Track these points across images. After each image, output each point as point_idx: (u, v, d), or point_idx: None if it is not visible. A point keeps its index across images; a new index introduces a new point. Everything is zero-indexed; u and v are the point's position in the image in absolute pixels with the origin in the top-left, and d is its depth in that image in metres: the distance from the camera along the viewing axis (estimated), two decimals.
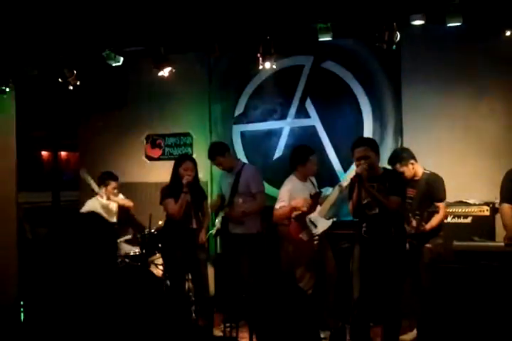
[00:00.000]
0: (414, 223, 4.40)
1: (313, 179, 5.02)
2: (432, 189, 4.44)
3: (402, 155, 4.54)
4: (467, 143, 5.21)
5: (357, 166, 4.09)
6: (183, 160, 4.85)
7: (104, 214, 5.68)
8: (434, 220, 4.41)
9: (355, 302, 4.02)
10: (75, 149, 7.51)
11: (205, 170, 5.93)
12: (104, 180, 5.80)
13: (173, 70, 5.17)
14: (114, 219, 5.85)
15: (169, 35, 5.23)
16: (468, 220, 4.79)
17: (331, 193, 4.98)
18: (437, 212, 4.45)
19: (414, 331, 4.33)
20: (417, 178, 4.52)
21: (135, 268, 5.10)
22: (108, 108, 6.77)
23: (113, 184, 5.81)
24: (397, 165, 4.52)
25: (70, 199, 7.57)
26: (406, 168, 4.48)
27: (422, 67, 5.37)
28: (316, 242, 4.63)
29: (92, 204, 5.75)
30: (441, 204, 4.45)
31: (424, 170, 4.54)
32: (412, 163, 4.50)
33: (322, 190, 5.09)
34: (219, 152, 5.08)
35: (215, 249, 5.25)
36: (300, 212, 4.62)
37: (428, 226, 4.38)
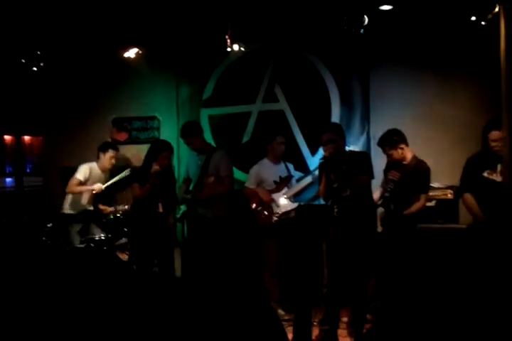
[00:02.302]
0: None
1: (291, 165, 5.26)
2: (417, 178, 4.39)
3: (392, 138, 4.45)
4: (432, 129, 5.29)
5: (324, 151, 4.19)
6: (165, 150, 4.87)
7: (91, 184, 5.56)
8: (414, 207, 4.37)
9: (327, 281, 4.08)
10: (39, 133, 7.34)
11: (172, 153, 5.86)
12: (105, 148, 5.63)
13: (140, 52, 5.10)
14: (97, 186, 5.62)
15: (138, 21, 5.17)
16: (432, 203, 4.85)
17: (303, 179, 5.13)
18: (418, 199, 4.40)
19: None
20: (404, 162, 4.47)
21: (101, 252, 5.05)
22: (73, 91, 6.64)
23: (111, 152, 5.60)
24: (386, 148, 4.47)
25: (34, 184, 7.42)
26: (394, 151, 4.42)
27: (389, 55, 5.42)
28: (274, 219, 4.91)
29: (85, 170, 5.55)
30: (422, 196, 4.42)
31: (414, 155, 4.52)
32: (402, 148, 4.43)
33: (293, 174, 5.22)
34: (194, 132, 5.08)
35: (182, 233, 5.22)
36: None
37: (407, 211, 4.36)
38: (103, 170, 5.61)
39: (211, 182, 4.88)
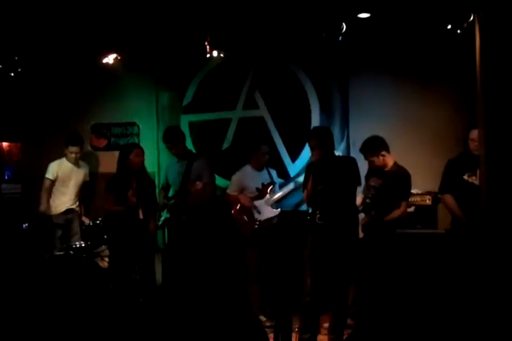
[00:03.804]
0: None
1: (274, 171, 5.25)
2: (398, 185, 4.41)
3: (374, 144, 4.48)
4: (410, 134, 5.33)
5: (312, 155, 4.19)
6: (132, 148, 4.88)
7: (64, 178, 5.72)
8: (395, 214, 4.39)
9: (309, 289, 4.07)
10: (17, 140, 7.24)
11: (152, 160, 5.85)
12: (65, 144, 5.80)
13: (119, 57, 5.09)
14: (73, 185, 5.78)
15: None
16: (412, 209, 4.90)
17: (285, 186, 5.16)
18: (398, 206, 4.43)
19: None
20: (386, 169, 4.50)
21: (80, 260, 5.00)
22: (52, 97, 6.59)
23: (71, 148, 5.77)
24: (368, 154, 4.49)
25: (13, 191, 7.32)
26: (376, 158, 4.46)
27: (368, 62, 5.46)
28: (256, 226, 4.90)
29: (53, 167, 5.73)
30: (403, 202, 4.45)
31: (395, 162, 4.54)
32: (383, 155, 4.46)
33: (275, 180, 5.23)
34: (177, 138, 5.11)
35: (163, 239, 5.20)
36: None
37: (388, 217, 4.39)
38: (73, 164, 5.80)
39: (199, 189, 4.87)
